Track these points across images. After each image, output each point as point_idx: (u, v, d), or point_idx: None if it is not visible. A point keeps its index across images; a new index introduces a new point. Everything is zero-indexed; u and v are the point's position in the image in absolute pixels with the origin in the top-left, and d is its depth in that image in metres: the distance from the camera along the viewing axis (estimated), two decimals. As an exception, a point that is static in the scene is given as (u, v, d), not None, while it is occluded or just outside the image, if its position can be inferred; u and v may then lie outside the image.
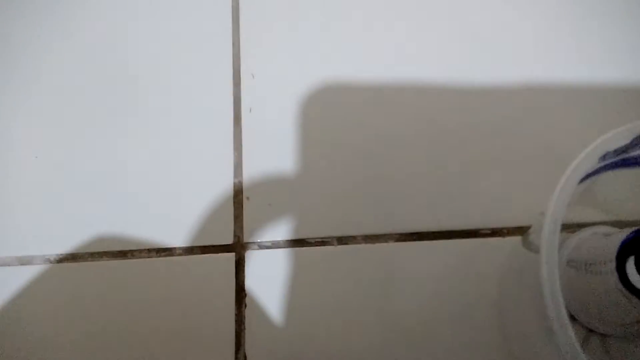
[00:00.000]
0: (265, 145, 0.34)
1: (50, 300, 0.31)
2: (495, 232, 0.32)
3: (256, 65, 0.36)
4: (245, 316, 0.30)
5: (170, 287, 0.31)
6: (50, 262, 0.32)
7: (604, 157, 0.24)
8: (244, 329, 0.30)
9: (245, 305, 0.31)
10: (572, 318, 0.29)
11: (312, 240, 0.32)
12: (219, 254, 0.31)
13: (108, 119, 0.34)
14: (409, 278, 0.31)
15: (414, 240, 0.32)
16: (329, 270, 0.32)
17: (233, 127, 0.34)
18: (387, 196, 0.33)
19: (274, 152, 0.34)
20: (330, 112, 0.35)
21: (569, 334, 0.20)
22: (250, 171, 0.33)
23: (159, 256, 0.32)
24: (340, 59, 0.37)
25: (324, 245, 0.32)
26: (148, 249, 0.32)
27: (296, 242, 0.32)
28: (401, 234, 0.33)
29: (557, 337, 0.20)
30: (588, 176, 0.26)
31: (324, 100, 0.36)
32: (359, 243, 0.32)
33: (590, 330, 0.29)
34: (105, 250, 0.32)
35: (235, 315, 0.30)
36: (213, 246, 0.32)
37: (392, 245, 0.32)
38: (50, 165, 0.33)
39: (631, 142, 0.25)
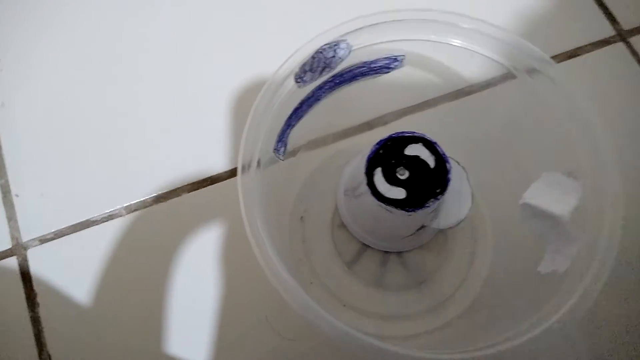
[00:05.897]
0: (24, 135, 0.32)
1: None
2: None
3: None
4: (41, 316, 0.28)
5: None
6: None
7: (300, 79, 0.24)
8: (43, 329, 0.28)
9: (38, 305, 0.29)
10: (367, 246, 0.29)
11: (99, 218, 0.30)
12: (-2, 262, 0.29)
13: None
14: (201, 225, 0.30)
15: (207, 185, 0.31)
16: (123, 242, 0.30)
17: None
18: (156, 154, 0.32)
19: (36, 140, 0.32)
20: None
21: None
22: (14, 166, 0.31)
23: None
24: None
25: (113, 218, 0.30)
26: None
27: (81, 225, 0.30)
28: (193, 183, 0.31)
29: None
30: (309, 104, 0.25)
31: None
32: (150, 205, 0.31)
33: (387, 252, 0.29)
34: None
35: (31, 318, 0.28)
36: (-11, 256, 0.29)
37: (185, 197, 0.31)
38: None
39: (309, 64, 0.24)
